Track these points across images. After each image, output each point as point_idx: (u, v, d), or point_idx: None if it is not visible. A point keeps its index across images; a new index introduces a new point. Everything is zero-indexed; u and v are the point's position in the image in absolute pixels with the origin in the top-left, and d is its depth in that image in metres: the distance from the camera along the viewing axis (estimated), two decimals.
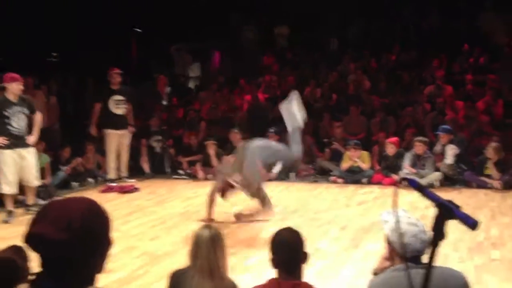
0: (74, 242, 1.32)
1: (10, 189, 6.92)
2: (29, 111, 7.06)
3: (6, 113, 6.80)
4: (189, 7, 13.50)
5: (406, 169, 8.69)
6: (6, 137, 6.78)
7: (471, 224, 1.23)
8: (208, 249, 2.82)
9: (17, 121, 6.89)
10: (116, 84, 9.19)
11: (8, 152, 6.83)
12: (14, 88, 6.81)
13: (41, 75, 11.23)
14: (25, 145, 6.98)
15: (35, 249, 1.37)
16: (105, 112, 9.13)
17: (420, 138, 8.79)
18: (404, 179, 1.41)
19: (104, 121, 9.18)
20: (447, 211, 1.23)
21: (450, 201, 1.27)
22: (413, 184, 1.36)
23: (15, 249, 2.53)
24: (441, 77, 11.33)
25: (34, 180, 7.16)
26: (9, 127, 6.82)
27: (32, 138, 7.07)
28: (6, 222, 6.78)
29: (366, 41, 13.64)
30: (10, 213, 6.90)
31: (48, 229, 1.31)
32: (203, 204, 6.71)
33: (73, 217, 1.34)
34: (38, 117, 7.23)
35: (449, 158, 8.70)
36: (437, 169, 8.69)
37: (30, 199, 7.24)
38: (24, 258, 2.43)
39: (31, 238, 1.34)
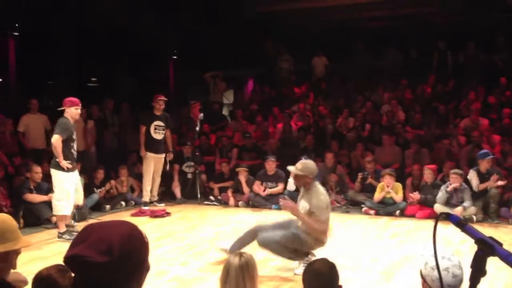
0: (113, 266, 1.33)
1: (70, 209, 7.22)
2: None
3: (74, 136, 7.15)
4: (226, 35, 13.69)
5: (439, 205, 8.45)
6: (70, 161, 7.03)
7: None
8: (237, 277, 2.81)
9: (76, 145, 7.29)
10: (160, 110, 9.48)
11: (72, 174, 7.11)
12: (73, 112, 7.10)
13: (81, 100, 11.47)
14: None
15: (74, 270, 1.39)
16: (146, 136, 9.44)
17: (456, 170, 8.59)
18: (444, 214, 1.39)
19: (145, 144, 9.44)
20: (488, 248, 1.21)
21: (491, 238, 1.24)
22: (453, 220, 1.34)
23: (59, 268, 2.57)
24: (477, 110, 11.15)
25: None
26: (72, 150, 7.12)
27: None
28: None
29: (402, 72, 13.58)
30: (73, 227, 7.29)
31: (88, 252, 1.32)
32: (233, 231, 6.71)
33: (114, 240, 1.35)
34: None
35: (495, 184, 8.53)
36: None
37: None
38: (67, 278, 2.47)
39: (71, 260, 1.35)
